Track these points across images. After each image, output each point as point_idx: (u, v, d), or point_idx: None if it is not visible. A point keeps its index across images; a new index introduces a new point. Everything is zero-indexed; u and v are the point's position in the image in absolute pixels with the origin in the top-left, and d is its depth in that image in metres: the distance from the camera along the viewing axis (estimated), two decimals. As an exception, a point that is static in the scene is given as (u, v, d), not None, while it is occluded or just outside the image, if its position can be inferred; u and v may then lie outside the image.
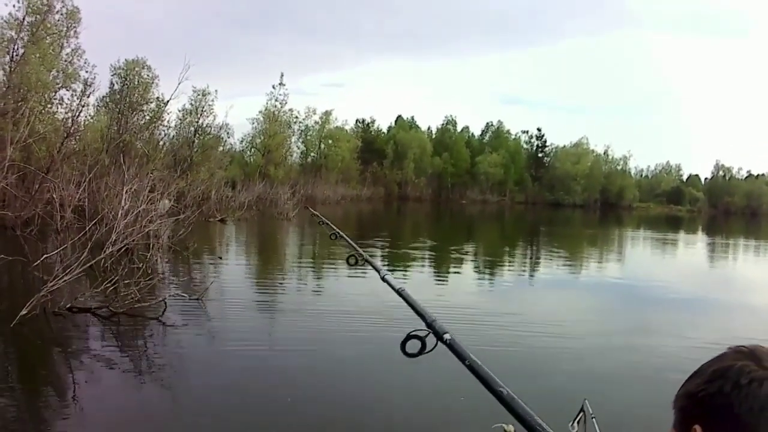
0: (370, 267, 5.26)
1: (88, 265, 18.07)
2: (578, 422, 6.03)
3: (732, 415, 1.75)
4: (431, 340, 2.87)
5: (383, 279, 4.35)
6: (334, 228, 7.85)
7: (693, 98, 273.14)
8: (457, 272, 33.77)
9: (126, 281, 17.73)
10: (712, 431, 1.78)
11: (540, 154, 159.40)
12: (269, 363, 14.57)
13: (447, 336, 2.80)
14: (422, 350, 2.84)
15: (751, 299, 29.23)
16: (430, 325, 2.94)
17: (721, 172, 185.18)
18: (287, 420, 11.11)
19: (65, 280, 16.70)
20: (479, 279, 31.93)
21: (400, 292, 3.70)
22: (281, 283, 26.78)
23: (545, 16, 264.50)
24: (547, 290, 29.16)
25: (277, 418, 11.16)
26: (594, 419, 6.01)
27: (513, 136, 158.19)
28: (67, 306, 16.61)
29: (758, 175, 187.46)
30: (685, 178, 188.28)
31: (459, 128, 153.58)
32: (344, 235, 7.26)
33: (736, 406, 1.74)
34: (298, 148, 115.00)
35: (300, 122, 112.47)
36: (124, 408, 11.30)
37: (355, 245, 5.98)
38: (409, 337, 2.83)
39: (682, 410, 1.90)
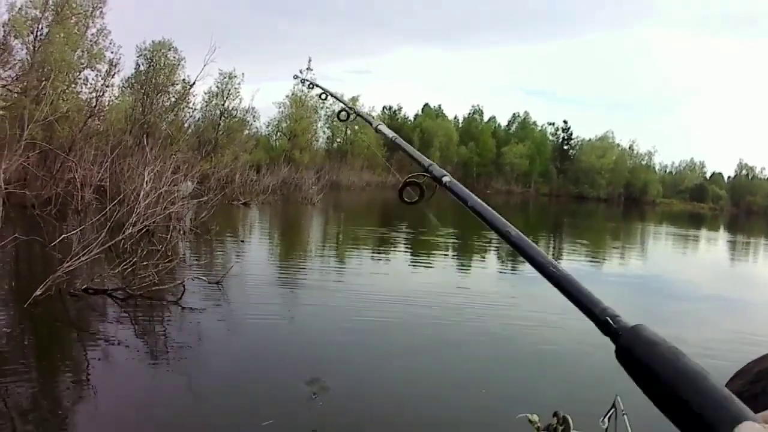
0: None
1: (107, 246, 17.87)
2: (609, 418, 6.64)
3: None
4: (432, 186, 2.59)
5: (377, 130, 3.99)
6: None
7: (719, 96, 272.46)
8: (481, 262, 33.89)
9: (144, 263, 17.49)
10: None
11: (565, 147, 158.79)
12: (290, 347, 14.54)
13: (446, 179, 2.52)
14: (421, 196, 2.61)
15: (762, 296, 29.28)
16: (427, 170, 2.64)
17: (744, 171, 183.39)
18: (309, 403, 10.99)
19: (82, 261, 16.41)
20: (503, 268, 31.93)
21: (394, 141, 3.52)
22: (303, 268, 26.60)
23: (574, 8, 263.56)
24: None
25: (299, 401, 11.03)
26: (625, 416, 6.51)
27: (539, 128, 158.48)
28: (83, 287, 16.35)
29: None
30: (708, 175, 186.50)
31: (485, 118, 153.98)
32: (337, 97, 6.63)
33: None
34: (324, 134, 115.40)
35: (327, 107, 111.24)
36: (138, 391, 11.19)
37: (344, 102, 5.43)
38: (405, 184, 2.59)
39: None
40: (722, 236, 77.60)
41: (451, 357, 14.68)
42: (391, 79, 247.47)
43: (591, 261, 37.79)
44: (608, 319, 1.47)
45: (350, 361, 13.63)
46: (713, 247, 61.67)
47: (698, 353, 15.51)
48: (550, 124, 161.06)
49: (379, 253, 33.18)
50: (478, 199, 2.21)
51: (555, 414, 6.82)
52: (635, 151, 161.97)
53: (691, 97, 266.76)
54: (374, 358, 14.08)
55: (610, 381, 10.55)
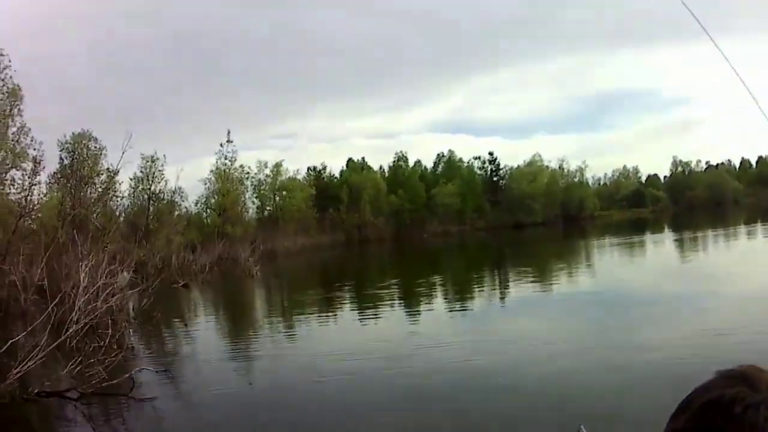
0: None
1: (51, 347, 17.89)
2: None
3: None
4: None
5: None
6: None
7: (640, 98, 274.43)
8: (428, 306, 33.76)
9: (90, 360, 17.50)
10: None
11: (495, 178, 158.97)
12: (251, 419, 14.63)
13: None
14: None
15: (732, 289, 29.21)
16: None
17: (680, 168, 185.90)
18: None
19: (29, 366, 16.45)
20: (451, 309, 31.89)
21: None
22: (254, 340, 26.72)
23: (485, 43, 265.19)
24: (524, 312, 29.29)
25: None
26: None
27: (466, 164, 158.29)
28: (36, 391, 16.33)
29: (717, 164, 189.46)
30: (644, 179, 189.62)
31: (411, 163, 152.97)
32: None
33: None
34: (254, 203, 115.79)
35: (252, 177, 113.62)
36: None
37: None
38: None
39: None
40: (668, 236, 78.76)
41: (411, 405, 14.89)
42: (314, 138, 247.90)
43: (541, 286, 37.93)
44: None
45: (313, 424, 13.84)
46: (660, 248, 62.39)
47: (670, 358, 16.18)
48: (476, 158, 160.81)
49: (327, 313, 33.24)
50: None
51: None
52: (566, 170, 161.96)
53: (614, 105, 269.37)
54: (336, 419, 14.20)
55: (573, 408, 10.77)
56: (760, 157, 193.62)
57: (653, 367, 15.75)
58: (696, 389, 1.68)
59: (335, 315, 33.10)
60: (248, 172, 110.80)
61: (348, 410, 14.91)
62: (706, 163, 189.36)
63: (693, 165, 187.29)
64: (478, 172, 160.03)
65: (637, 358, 17.22)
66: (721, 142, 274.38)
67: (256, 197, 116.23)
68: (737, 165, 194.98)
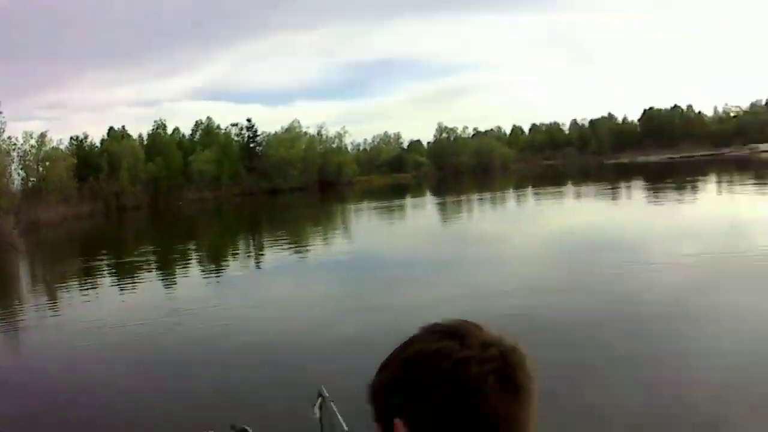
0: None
1: None
2: (320, 407, 7.12)
3: (436, 405, 1.52)
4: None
5: None
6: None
7: (407, 67, 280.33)
8: (183, 273, 35.69)
9: None
10: (416, 424, 1.55)
11: (252, 144, 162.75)
12: (8, 395, 15.10)
13: None
14: None
15: (487, 250, 31.56)
16: None
17: (444, 134, 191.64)
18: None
19: None
20: (206, 276, 34.29)
21: None
22: (14, 315, 26.73)
23: (250, 10, 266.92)
24: (276, 276, 31.54)
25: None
26: (332, 402, 7.10)
27: (223, 131, 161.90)
28: None
29: (486, 131, 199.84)
30: (406, 145, 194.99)
31: (170, 131, 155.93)
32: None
33: (439, 394, 1.51)
34: (19, 175, 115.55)
35: (18, 148, 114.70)
36: None
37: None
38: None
39: (377, 405, 1.65)
40: (429, 200, 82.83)
41: (166, 368, 16.09)
42: (81, 107, 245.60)
43: (295, 250, 40.01)
44: None
45: (71, 390, 14.84)
46: (419, 212, 65.88)
47: (418, 319, 20.52)
48: (233, 125, 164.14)
49: (86, 283, 33.82)
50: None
51: (232, 427, 6.95)
52: (324, 136, 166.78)
53: (378, 73, 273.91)
54: (94, 383, 15.10)
55: (314, 369, 13.53)
56: (533, 125, 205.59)
57: (400, 326, 13.44)
58: (402, 343, 1.67)
59: (94, 284, 33.04)
60: (15, 144, 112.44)
61: (106, 376, 15.32)
62: (474, 129, 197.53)
63: (459, 131, 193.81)
64: (236, 138, 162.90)
65: (384, 318, 18.08)
66: (493, 110, 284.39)
67: (21, 168, 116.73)
68: (508, 132, 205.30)
